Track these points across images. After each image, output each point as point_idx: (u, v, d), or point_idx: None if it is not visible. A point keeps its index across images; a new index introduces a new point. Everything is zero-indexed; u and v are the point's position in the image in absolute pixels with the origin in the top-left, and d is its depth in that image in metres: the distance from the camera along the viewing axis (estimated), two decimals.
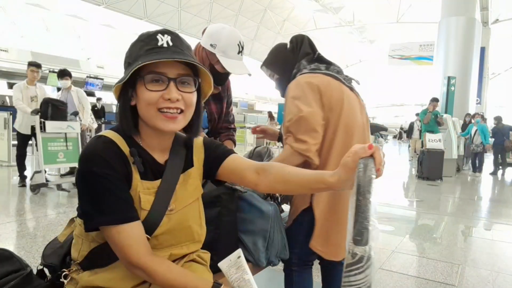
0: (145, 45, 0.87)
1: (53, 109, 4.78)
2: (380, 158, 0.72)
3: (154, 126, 0.88)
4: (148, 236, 0.88)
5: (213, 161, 1.01)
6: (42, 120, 4.69)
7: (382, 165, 0.73)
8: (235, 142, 2.03)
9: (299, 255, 1.52)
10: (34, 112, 4.74)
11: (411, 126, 11.62)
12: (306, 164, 1.41)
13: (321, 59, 1.57)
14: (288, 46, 1.62)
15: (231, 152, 1.03)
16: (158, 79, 0.85)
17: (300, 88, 1.44)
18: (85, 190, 0.84)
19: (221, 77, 1.66)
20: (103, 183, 0.82)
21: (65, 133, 4.94)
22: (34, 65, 5.23)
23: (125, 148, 0.88)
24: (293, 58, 1.58)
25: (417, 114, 11.10)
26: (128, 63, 0.88)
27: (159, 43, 0.86)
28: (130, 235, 0.83)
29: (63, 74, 5.65)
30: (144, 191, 0.88)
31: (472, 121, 9.66)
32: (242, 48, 1.64)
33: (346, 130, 1.44)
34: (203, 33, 1.66)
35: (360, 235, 0.67)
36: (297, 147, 1.39)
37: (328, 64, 1.55)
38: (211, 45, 1.58)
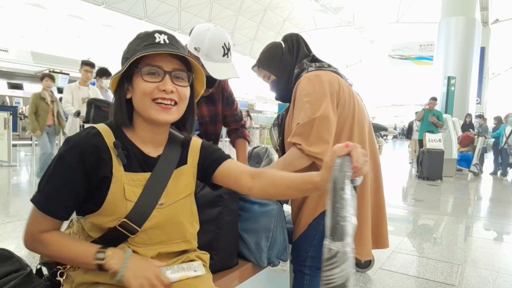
0: (142, 41, 0.92)
1: (95, 111, 4.39)
2: (357, 156, 0.73)
3: (148, 117, 0.91)
4: (138, 228, 0.89)
5: (210, 164, 1.03)
6: (83, 123, 4.23)
7: (362, 163, 0.73)
8: (248, 140, 1.96)
9: (313, 259, 1.47)
10: (75, 114, 4.41)
11: (410, 126, 10.96)
12: (313, 166, 1.35)
13: (317, 60, 1.54)
14: (284, 46, 1.55)
15: (228, 157, 1.05)
16: (155, 72, 0.90)
17: (312, 84, 1.37)
18: (50, 167, 0.88)
19: (209, 80, 1.60)
20: (61, 171, 0.86)
21: None
22: (88, 64, 4.72)
23: (110, 140, 0.91)
24: (291, 59, 1.52)
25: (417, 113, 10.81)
26: (125, 58, 0.92)
27: (157, 40, 0.91)
28: (42, 221, 0.88)
29: (108, 73, 5.14)
30: (129, 183, 0.90)
31: (505, 121, 9.10)
32: (228, 50, 1.54)
33: (359, 125, 1.43)
34: (190, 33, 1.59)
35: (334, 231, 0.69)
36: (311, 150, 1.31)
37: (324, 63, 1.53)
38: (195, 48, 1.51)
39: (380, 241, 1.51)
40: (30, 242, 0.91)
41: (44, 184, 0.88)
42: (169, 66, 0.91)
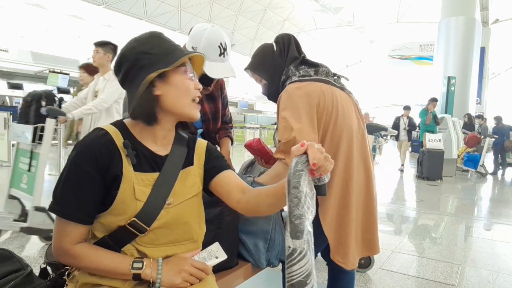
0: (170, 41, 0.97)
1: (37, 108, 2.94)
2: (314, 153, 0.73)
3: (183, 113, 0.94)
4: (147, 228, 0.89)
5: (211, 169, 1.03)
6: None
7: (322, 159, 0.74)
8: (232, 139, 2.04)
9: None
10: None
11: (396, 123, 9.08)
12: None
13: (306, 62, 1.51)
14: (275, 48, 1.54)
15: (229, 167, 1.06)
16: (191, 72, 0.96)
17: (291, 100, 1.38)
18: (63, 173, 0.88)
19: (206, 78, 1.61)
20: (76, 175, 0.86)
21: (31, 146, 2.92)
22: (95, 44, 3.34)
23: (119, 140, 0.91)
24: (282, 63, 1.51)
25: (405, 108, 9.20)
26: (161, 55, 0.91)
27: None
28: (69, 231, 0.87)
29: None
30: (139, 183, 0.90)
31: None
32: (225, 49, 1.59)
33: (347, 134, 1.41)
34: (189, 33, 1.64)
35: (290, 229, 0.69)
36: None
37: (315, 66, 1.49)
38: (192, 47, 1.56)
39: (371, 247, 1.49)
40: (61, 256, 0.90)
41: (60, 192, 0.87)
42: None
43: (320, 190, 0.78)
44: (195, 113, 0.95)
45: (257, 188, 0.98)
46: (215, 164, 1.04)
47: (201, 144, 1.06)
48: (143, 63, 0.90)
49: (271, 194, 0.91)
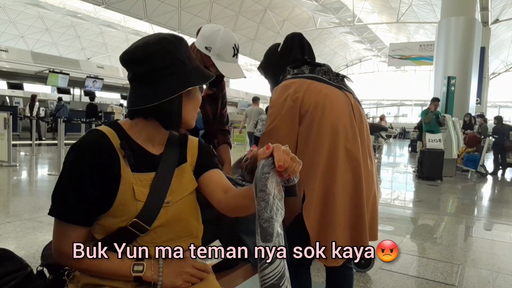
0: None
1: None
2: (280, 155, 0.73)
3: (187, 124, 0.97)
4: (148, 227, 0.89)
5: (200, 166, 1.04)
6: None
7: (288, 161, 0.73)
8: (230, 146, 2.00)
9: (292, 256, 1.46)
10: None
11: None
12: None
13: (309, 63, 1.51)
14: (279, 48, 1.58)
15: (217, 166, 1.07)
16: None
17: (277, 96, 1.44)
18: (61, 176, 0.88)
19: (216, 79, 1.63)
20: (74, 178, 0.86)
21: None
22: None
23: (116, 141, 0.91)
24: (283, 63, 1.54)
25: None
26: (196, 70, 0.95)
27: None
28: (68, 234, 0.87)
29: None
30: (137, 183, 0.90)
31: None
32: (237, 50, 1.61)
33: (332, 132, 1.39)
34: (197, 33, 1.63)
35: (260, 233, 0.69)
36: None
37: (314, 66, 1.50)
38: (206, 47, 1.56)
39: (357, 239, 1.43)
40: (61, 258, 0.89)
41: (59, 194, 0.87)
42: None
43: (290, 191, 0.77)
44: (194, 123, 1.00)
45: (237, 189, 0.99)
46: (205, 161, 1.05)
47: (193, 141, 1.07)
48: (176, 70, 0.91)
49: (247, 196, 0.90)
